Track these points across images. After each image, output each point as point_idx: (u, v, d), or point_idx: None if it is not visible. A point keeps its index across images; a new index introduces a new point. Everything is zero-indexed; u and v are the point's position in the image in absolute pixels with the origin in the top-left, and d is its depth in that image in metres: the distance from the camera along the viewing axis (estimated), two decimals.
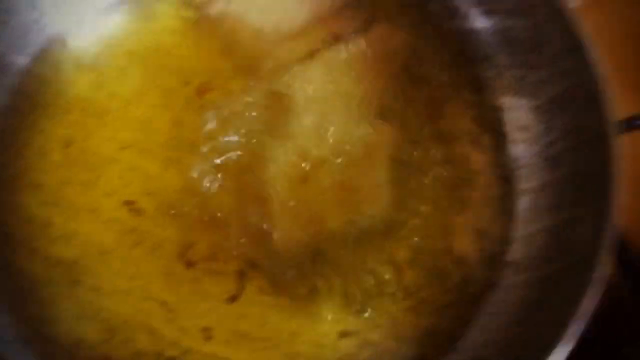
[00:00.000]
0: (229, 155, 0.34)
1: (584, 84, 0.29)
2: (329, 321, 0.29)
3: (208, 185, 0.33)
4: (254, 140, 0.33)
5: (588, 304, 0.23)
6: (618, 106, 0.45)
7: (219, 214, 0.32)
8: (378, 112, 0.33)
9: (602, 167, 0.27)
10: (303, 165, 0.31)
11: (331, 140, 0.32)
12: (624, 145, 0.28)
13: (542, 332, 0.25)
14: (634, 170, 0.42)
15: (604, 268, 0.23)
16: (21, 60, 0.36)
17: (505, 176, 0.33)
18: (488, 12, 0.35)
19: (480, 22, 0.36)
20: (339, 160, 0.32)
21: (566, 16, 0.30)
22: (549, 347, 0.23)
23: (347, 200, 0.31)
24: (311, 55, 0.35)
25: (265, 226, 0.30)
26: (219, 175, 0.33)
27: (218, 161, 0.33)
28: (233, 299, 0.30)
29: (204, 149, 0.34)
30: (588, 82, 0.28)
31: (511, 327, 0.27)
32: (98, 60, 0.37)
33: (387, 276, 0.30)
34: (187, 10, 0.38)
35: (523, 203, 0.32)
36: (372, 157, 0.32)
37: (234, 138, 0.34)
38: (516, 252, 0.30)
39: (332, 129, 0.32)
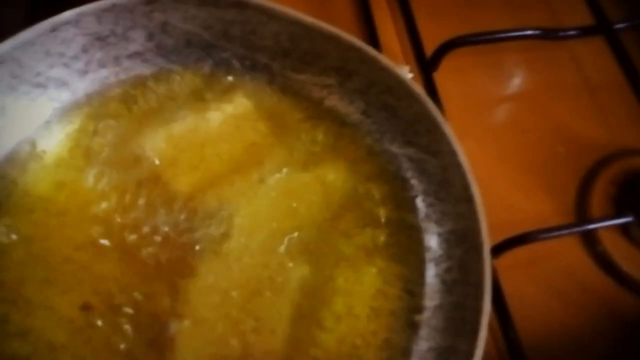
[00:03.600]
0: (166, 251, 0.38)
1: (471, 231, 0.34)
2: None
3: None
4: (192, 246, 0.38)
5: None
6: (531, 206, 0.51)
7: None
8: (299, 248, 0.38)
9: (477, 310, 0.32)
10: (223, 283, 0.36)
11: (250, 268, 0.37)
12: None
13: None
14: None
15: None
16: None
17: (410, 290, 0.38)
18: (408, 143, 0.40)
19: (402, 148, 0.41)
20: (251, 287, 0.37)
21: (463, 169, 0.35)
22: None
23: (250, 329, 0.36)
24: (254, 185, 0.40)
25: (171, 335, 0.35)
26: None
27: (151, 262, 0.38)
28: None
29: (147, 250, 0.39)
30: (474, 231, 0.34)
31: None
32: (61, 160, 0.41)
33: None
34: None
35: (423, 319, 0.37)
36: (282, 291, 0.37)
37: (176, 239, 0.39)
38: None
39: (253, 258, 0.37)
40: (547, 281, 0.48)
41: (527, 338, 0.43)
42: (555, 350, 0.45)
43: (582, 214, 0.51)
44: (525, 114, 0.59)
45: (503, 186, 0.52)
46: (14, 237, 0.38)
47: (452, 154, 0.35)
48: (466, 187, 0.35)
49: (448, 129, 0.36)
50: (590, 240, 0.50)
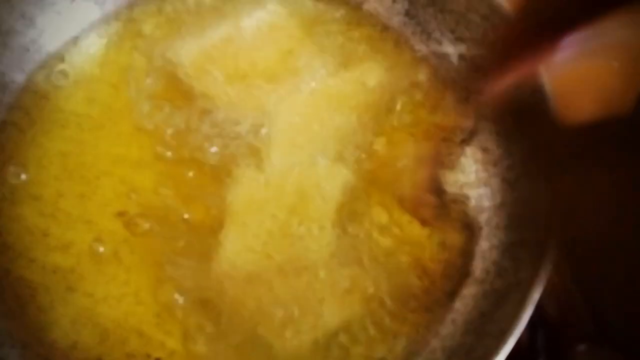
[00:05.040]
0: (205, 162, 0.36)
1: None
2: None
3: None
4: (231, 156, 0.36)
5: (521, 325, 0.26)
6: None
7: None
8: (341, 153, 0.36)
9: (547, 200, 0.29)
10: (264, 190, 0.35)
11: (293, 175, 0.35)
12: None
13: (485, 343, 0.28)
14: None
15: (538, 292, 0.26)
16: (19, 77, 0.38)
17: (466, 194, 0.36)
18: (458, 39, 0.37)
19: (451, 47, 0.38)
20: (295, 194, 0.34)
21: None
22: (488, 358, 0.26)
23: (295, 234, 0.34)
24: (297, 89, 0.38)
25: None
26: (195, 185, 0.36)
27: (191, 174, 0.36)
28: None
29: (187, 160, 0.37)
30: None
31: (462, 336, 0.30)
32: (92, 76, 0.40)
33: None
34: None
35: (482, 220, 0.34)
36: (325, 197, 0.34)
37: (214, 149, 0.37)
38: (474, 265, 0.33)
39: (295, 165, 0.35)
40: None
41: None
42: (619, 272, 0.43)
43: None
44: None
45: None
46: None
47: None
48: None
49: (509, 9, 0.33)
50: None
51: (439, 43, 0.38)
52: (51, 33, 0.39)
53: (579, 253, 0.40)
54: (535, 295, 0.26)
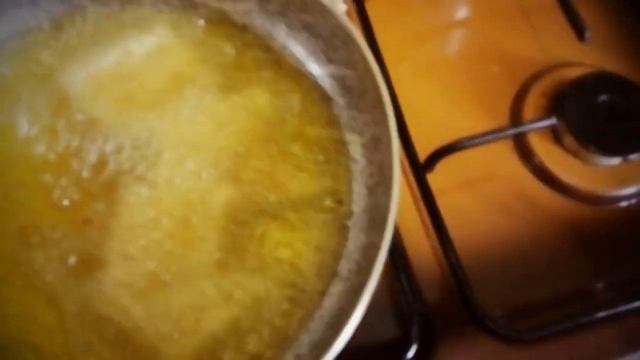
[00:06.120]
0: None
1: (385, 131, 0.35)
2: None
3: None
4: (117, 177, 0.39)
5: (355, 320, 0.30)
6: (468, 123, 0.52)
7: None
8: (227, 172, 0.39)
9: (388, 205, 0.33)
10: (148, 208, 0.37)
11: (178, 196, 0.38)
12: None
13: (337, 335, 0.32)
14: None
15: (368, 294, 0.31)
16: None
17: (340, 200, 0.40)
18: (329, 60, 0.41)
19: (325, 67, 0.42)
20: (179, 214, 0.37)
21: (373, 73, 0.36)
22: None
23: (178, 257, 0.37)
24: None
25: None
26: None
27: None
28: None
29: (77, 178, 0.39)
30: (387, 130, 0.35)
31: (325, 330, 0.34)
32: None
33: None
34: None
35: (350, 223, 0.38)
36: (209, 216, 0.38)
37: (101, 171, 0.39)
38: (341, 264, 0.37)
39: (181, 186, 0.38)
40: (485, 196, 0.49)
41: (467, 252, 0.45)
42: (496, 262, 0.47)
43: (515, 125, 0.52)
44: (460, 38, 0.59)
45: (439, 108, 0.54)
46: None
47: (364, 60, 0.36)
48: (377, 90, 0.36)
49: (358, 36, 0.37)
50: (524, 151, 0.51)
51: (315, 64, 0.42)
52: None
53: (456, 241, 0.45)
54: (366, 297, 0.30)
